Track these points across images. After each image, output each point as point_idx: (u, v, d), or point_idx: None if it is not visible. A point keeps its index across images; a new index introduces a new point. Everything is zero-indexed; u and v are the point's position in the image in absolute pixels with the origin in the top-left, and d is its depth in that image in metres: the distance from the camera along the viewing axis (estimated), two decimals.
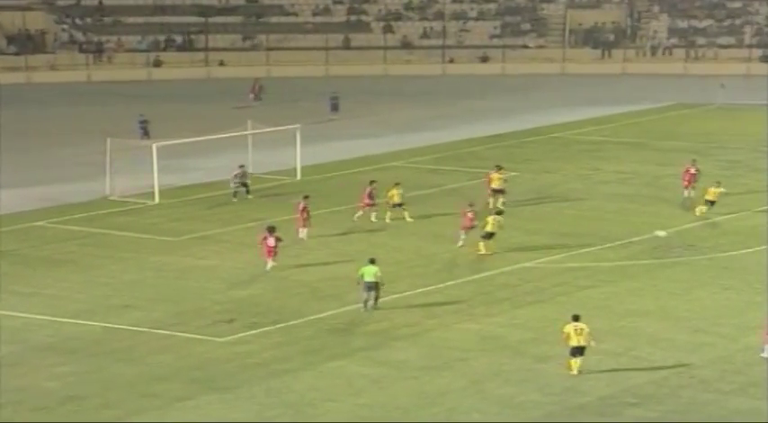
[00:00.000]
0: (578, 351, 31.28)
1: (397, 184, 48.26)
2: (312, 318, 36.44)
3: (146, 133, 63.44)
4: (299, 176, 55.88)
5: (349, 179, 56.49)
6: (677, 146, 63.36)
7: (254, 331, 35.38)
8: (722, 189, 47.67)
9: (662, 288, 38.88)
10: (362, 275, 36.97)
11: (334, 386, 31.21)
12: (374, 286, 36.86)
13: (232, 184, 51.81)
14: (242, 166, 52.51)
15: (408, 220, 46.96)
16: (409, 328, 35.67)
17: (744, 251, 42.74)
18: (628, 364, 32.10)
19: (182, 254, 43.75)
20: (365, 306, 36.96)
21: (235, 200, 51.31)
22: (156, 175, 51.46)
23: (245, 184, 51.97)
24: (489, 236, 42.68)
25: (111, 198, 51.96)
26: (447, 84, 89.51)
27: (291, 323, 36.03)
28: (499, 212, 43.74)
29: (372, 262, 37.28)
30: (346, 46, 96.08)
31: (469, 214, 43.39)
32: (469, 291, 39.04)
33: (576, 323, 31.54)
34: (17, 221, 48.34)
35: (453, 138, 66.51)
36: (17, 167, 58.82)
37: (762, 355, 32.45)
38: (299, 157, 55.93)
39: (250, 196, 51.81)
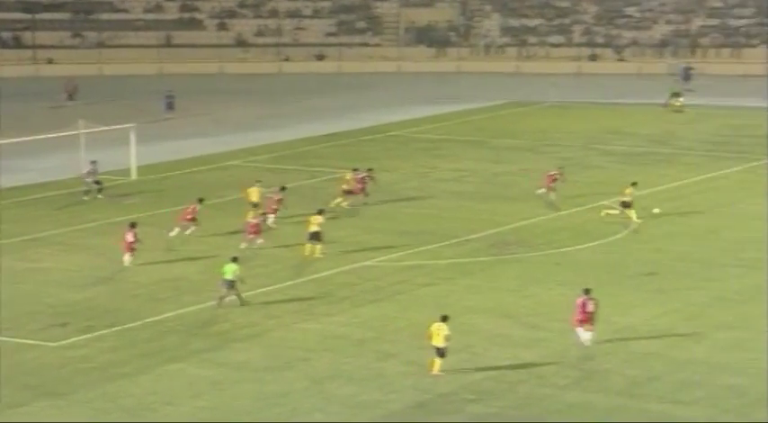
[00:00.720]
0: (438, 352, 31.30)
1: (283, 189, 47.62)
2: (150, 320, 35.87)
3: None
4: (134, 176, 55.01)
5: (186, 179, 55.90)
6: (512, 143, 64.36)
7: (88, 335, 34.66)
8: (631, 189, 46.71)
9: (498, 285, 39.39)
10: (223, 272, 36.95)
11: (174, 389, 30.76)
12: (231, 284, 36.83)
13: (84, 183, 50.65)
14: (93, 163, 51.39)
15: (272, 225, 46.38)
16: (250, 328, 35.39)
17: (576, 247, 43.60)
18: (466, 360, 32.40)
19: (15, 257, 42.69)
20: (219, 302, 36.73)
21: (86, 198, 50.16)
22: None
23: (97, 182, 50.86)
24: (315, 236, 42.44)
25: None
26: (283, 82, 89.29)
27: (128, 326, 35.41)
28: (320, 212, 43.47)
29: (234, 260, 37.26)
30: (179, 43, 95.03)
31: (254, 221, 43.42)
32: (310, 290, 38.94)
33: (439, 323, 31.58)
34: None
35: (291, 136, 66.37)
36: None
37: (580, 340, 33.21)
38: (133, 156, 55.05)
39: (100, 196, 50.55)
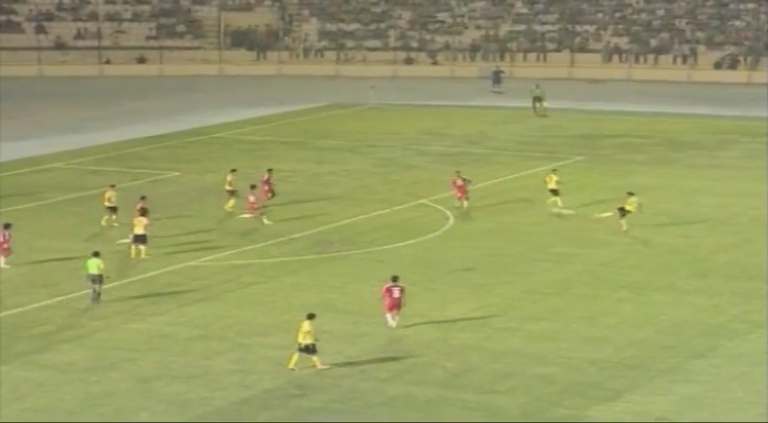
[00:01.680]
0: (308, 349, 31.18)
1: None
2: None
3: None
4: None
5: (10, 181, 54.47)
6: (333, 144, 64.60)
7: None
8: (636, 198, 45.00)
9: (323, 282, 39.49)
10: (87, 268, 36.47)
11: None
12: (98, 278, 36.48)
13: None
14: None
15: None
16: (75, 330, 34.71)
17: (396, 244, 44.04)
18: (292, 355, 32.40)
19: None
20: (95, 298, 36.39)
21: None
22: None
23: None
24: (140, 238, 41.85)
25: None
26: (105, 85, 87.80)
27: None
28: (144, 213, 42.75)
29: (96, 255, 36.80)
30: None
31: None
32: (135, 290, 38.39)
33: (306, 321, 31.38)
34: None
35: (114, 138, 65.32)
36: None
37: (387, 324, 33.88)
38: None
39: None
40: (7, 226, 40.90)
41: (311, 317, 31.67)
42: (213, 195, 51.17)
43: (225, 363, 31.89)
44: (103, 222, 45.77)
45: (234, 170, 49.55)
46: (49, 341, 33.69)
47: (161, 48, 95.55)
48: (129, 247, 41.71)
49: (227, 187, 48.68)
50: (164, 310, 36.66)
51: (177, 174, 56.53)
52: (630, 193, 45.61)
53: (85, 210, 48.05)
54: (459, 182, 48.93)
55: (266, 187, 48.93)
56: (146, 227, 41.92)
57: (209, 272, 40.71)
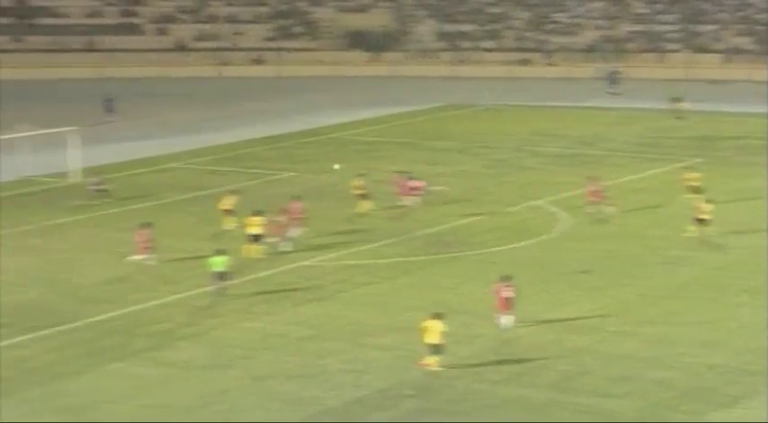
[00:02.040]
0: (433, 349, 30.85)
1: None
2: (92, 320, 35.42)
3: None
4: (78, 178, 54.40)
5: (129, 181, 55.40)
6: (447, 145, 64.40)
7: (31, 335, 34.16)
8: (712, 206, 43.44)
9: (437, 283, 39.31)
10: (211, 265, 37.19)
11: (116, 388, 30.39)
12: (224, 275, 37.21)
13: (89, 190, 49.34)
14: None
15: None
16: (192, 327, 35.06)
17: (510, 246, 43.66)
18: (404, 356, 32.31)
19: None
20: (219, 293, 37.02)
21: (96, 203, 49.00)
22: None
23: (101, 190, 49.29)
24: (255, 237, 42.11)
25: None
26: (223, 86, 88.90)
27: (71, 326, 34.95)
28: (258, 213, 42.98)
29: (221, 253, 37.47)
30: (119, 48, 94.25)
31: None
32: (250, 290, 38.64)
33: (433, 321, 31.09)
34: None
35: (232, 139, 66.05)
36: None
37: (500, 326, 33.40)
38: (77, 158, 54.42)
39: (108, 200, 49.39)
40: (146, 225, 41.26)
41: (438, 316, 31.29)
42: (328, 196, 51.35)
43: (338, 363, 31.91)
44: (231, 226, 45.80)
45: (362, 174, 49.09)
46: (168, 338, 34.08)
47: (279, 49, 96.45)
48: (244, 247, 41.76)
49: (357, 191, 48.36)
50: (278, 309, 36.85)
51: (292, 174, 56.86)
52: (709, 201, 44.37)
53: (202, 209, 48.56)
54: (594, 187, 47.25)
55: (408, 189, 48.18)
56: (260, 226, 42.14)
57: (322, 272, 40.83)
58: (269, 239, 42.29)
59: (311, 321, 35.66)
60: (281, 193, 52.83)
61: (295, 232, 43.41)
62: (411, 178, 48.69)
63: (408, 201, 48.24)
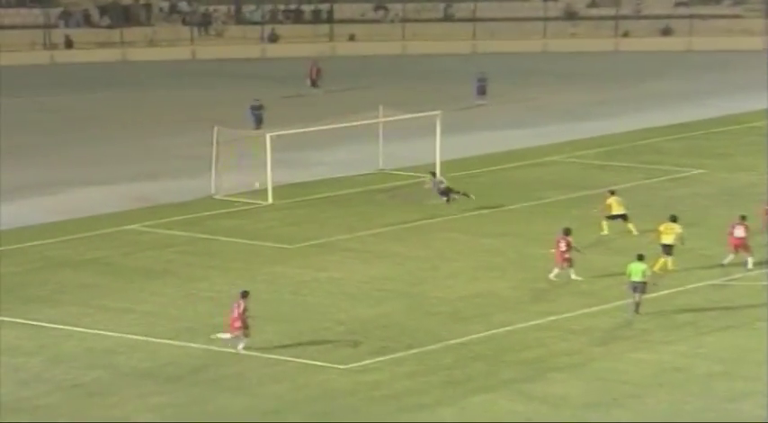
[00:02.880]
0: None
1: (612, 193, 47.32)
2: (453, 342, 36.40)
3: (259, 121, 64.15)
4: (438, 173, 55.88)
5: (498, 177, 56.41)
6: None
7: (383, 357, 35.48)
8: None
9: None
10: (629, 274, 38.04)
11: None
12: (640, 287, 37.96)
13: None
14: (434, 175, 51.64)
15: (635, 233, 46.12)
16: (570, 356, 35.42)
17: None
18: None
19: (299, 264, 44.14)
20: (635, 309, 37.90)
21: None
22: (269, 170, 52.03)
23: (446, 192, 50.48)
24: (667, 249, 42.10)
25: (217, 197, 52.71)
26: (620, 62, 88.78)
27: (428, 349, 36.04)
28: (674, 219, 42.78)
29: (640, 259, 38.27)
30: (494, 17, 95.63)
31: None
32: (643, 313, 38.58)
33: None
34: (108, 224, 49.30)
35: (626, 127, 65.91)
36: (109, 160, 59.99)
37: None
38: (438, 149, 55.81)
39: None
40: (567, 232, 41.44)
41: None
42: (744, 199, 50.34)
43: (756, 408, 31.39)
44: (605, 231, 46.23)
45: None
46: (541, 368, 34.57)
47: (691, 16, 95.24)
48: (659, 260, 41.56)
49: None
50: (678, 337, 36.62)
51: (701, 171, 56.19)
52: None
53: (586, 213, 48.78)
54: None
55: None
56: (678, 236, 41.88)
57: (737, 293, 40.22)
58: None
59: (720, 354, 35.24)
60: (686, 194, 52.43)
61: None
62: None
63: None
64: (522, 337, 36.72)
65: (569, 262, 41.53)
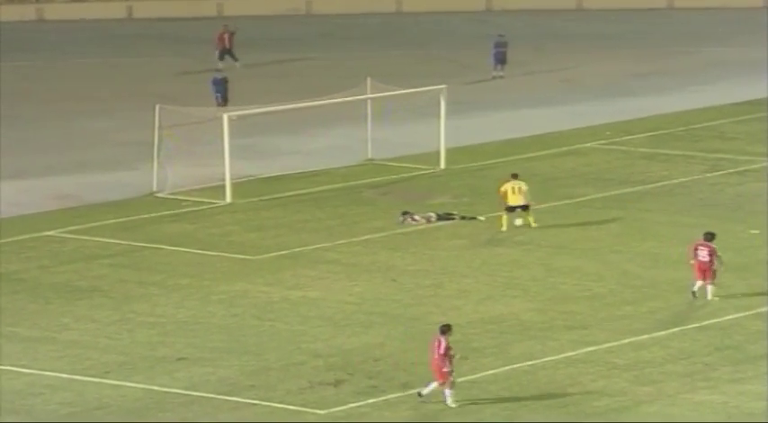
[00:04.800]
0: None
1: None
2: (461, 380, 36.33)
3: (224, 97, 64.02)
4: (442, 165, 55.98)
5: (519, 169, 56.21)
6: None
7: (372, 399, 35.51)
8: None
9: None
10: None
11: None
12: None
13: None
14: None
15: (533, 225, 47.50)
16: (611, 398, 35.47)
17: None
18: None
19: (265, 280, 44.22)
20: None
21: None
22: (227, 160, 52.06)
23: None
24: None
25: (160, 195, 52.76)
26: (672, 21, 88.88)
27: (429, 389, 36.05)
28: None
29: None
30: None
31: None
32: (705, 342, 38.83)
33: None
34: (22, 229, 49.31)
35: (681, 106, 66.07)
36: (22, 148, 59.92)
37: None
38: (443, 134, 55.88)
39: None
40: (710, 236, 42.09)
41: None
42: None
43: None
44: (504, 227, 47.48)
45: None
46: (573, 413, 34.63)
47: None
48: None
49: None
50: (750, 374, 36.67)
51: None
52: None
53: (632, 213, 48.88)
54: None
55: None
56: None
57: None
58: None
59: None
60: (756, 190, 52.52)
61: None
62: None
63: None
64: (550, 374, 36.79)
65: (714, 275, 41.70)
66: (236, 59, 74.44)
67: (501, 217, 47.70)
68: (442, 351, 35.25)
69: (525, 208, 48.06)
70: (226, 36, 75.19)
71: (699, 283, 41.79)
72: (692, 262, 42.02)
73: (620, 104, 66.51)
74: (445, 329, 35.59)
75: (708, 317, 40.58)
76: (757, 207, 49.32)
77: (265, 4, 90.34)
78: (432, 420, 34.50)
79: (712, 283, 41.70)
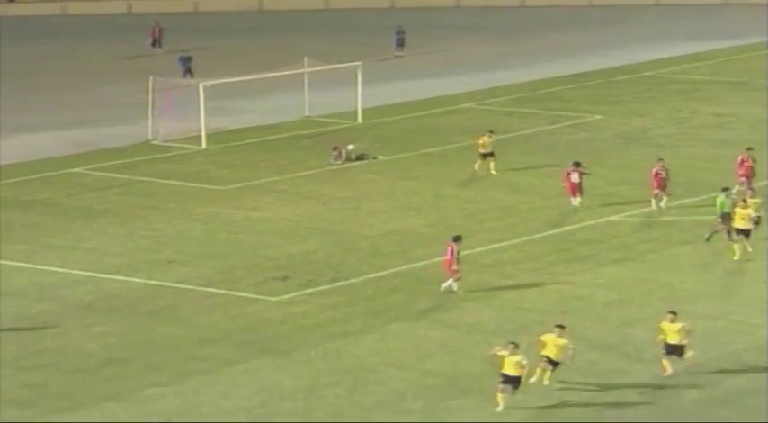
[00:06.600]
0: (676, 350, 29.99)
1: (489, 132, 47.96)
2: (373, 276, 36.83)
3: (188, 71, 63.75)
4: (359, 120, 56.13)
5: (415, 123, 56.65)
6: None
7: (310, 290, 35.92)
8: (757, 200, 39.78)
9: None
10: (720, 206, 38.53)
11: (398, 350, 31.65)
12: (727, 217, 38.09)
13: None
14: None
15: (493, 172, 47.04)
16: (481, 287, 35.94)
17: None
18: (726, 329, 32.14)
19: (232, 204, 44.31)
20: (710, 237, 38.46)
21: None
22: (203, 117, 51.98)
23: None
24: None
25: (154, 143, 52.61)
26: (526, 15, 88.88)
27: (351, 281, 36.48)
28: (577, 164, 43.16)
29: (726, 190, 38.77)
30: None
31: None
32: (547, 247, 39.23)
33: (670, 322, 30.10)
34: (51, 167, 49.11)
35: (532, 77, 66.25)
36: (51, 108, 59.60)
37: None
38: (359, 98, 56.03)
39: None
40: (577, 164, 42.17)
41: (674, 314, 30.15)
42: (638, 142, 51.08)
43: (646, 331, 32.06)
44: (476, 167, 46.92)
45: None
46: (454, 299, 35.11)
47: None
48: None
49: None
50: (579, 269, 37.27)
51: (599, 117, 56.81)
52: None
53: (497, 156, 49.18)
54: (749, 162, 43.67)
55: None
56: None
57: (631, 228, 40.90)
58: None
59: (616, 284, 35.93)
60: (584, 138, 53.00)
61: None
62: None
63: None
64: (437, 271, 36.93)
65: (581, 191, 41.80)
66: (160, 46, 73.34)
67: (476, 162, 47.15)
68: (452, 255, 35.22)
69: (491, 155, 47.22)
70: (156, 29, 74.68)
71: (573, 199, 42.09)
72: (564, 185, 42.27)
73: (489, 76, 66.52)
74: (456, 238, 35.61)
75: (549, 228, 41.06)
76: (584, 150, 49.74)
77: (228, 2, 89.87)
78: (355, 304, 34.81)
79: (581, 196, 42.12)
